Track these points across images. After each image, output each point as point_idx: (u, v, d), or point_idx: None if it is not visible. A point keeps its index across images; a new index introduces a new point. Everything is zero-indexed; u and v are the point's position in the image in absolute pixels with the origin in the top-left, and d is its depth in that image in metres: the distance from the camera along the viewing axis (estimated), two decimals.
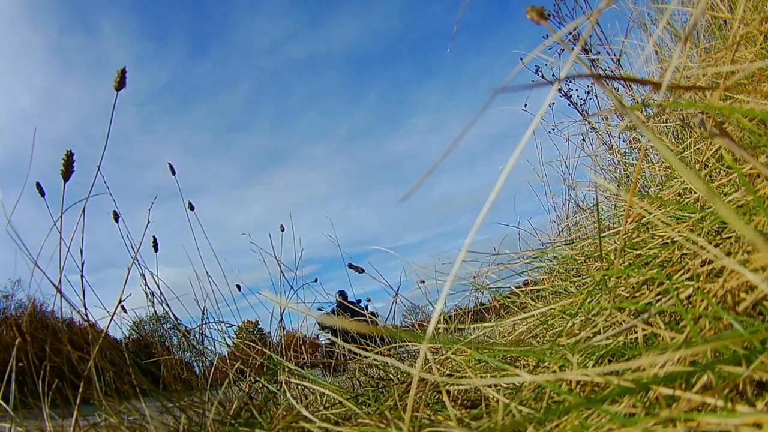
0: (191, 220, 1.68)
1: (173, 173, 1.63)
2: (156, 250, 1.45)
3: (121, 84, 1.00)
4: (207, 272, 1.73)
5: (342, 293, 6.11)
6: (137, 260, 1.35)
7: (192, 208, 1.70)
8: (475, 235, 0.39)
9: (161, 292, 1.49)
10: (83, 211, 1.07)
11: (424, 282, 1.85)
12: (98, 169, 1.09)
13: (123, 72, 1.01)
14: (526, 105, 2.23)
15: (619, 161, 1.98)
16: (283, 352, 1.93)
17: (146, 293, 1.46)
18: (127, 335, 1.77)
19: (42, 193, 1.13)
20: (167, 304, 1.51)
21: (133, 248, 1.32)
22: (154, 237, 1.45)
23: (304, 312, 2.17)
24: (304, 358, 2.05)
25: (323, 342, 5.23)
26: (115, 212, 1.37)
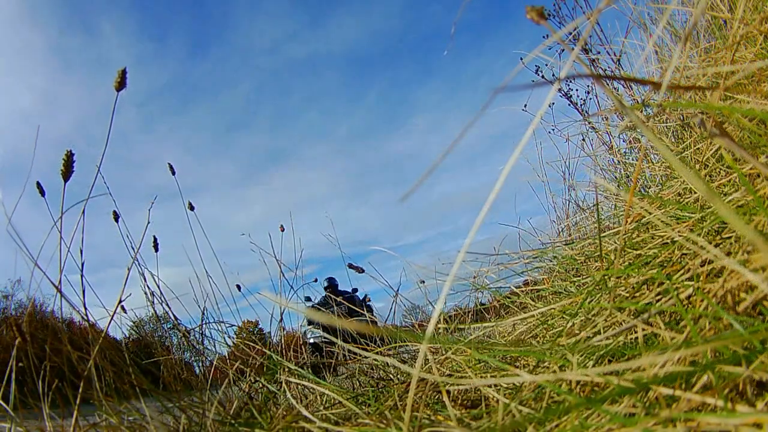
0: (191, 220, 1.68)
1: (173, 173, 1.63)
2: (156, 250, 1.45)
3: (121, 84, 1.00)
4: (207, 272, 1.73)
5: (331, 281, 5.70)
6: (137, 260, 1.36)
7: (192, 208, 1.70)
8: (475, 235, 0.39)
9: (161, 292, 1.49)
10: (83, 211, 1.07)
11: (424, 282, 1.85)
12: (98, 169, 1.09)
13: (123, 72, 1.01)
14: (526, 105, 2.23)
15: (619, 161, 1.98)
16: (283, 352, 1.93)
17: (146, 293, 1.46)
18: (127, 335, 1.77)
19: (42, 193, 1.13)
20: (167, 304, 1.51)
21: (133, 248, 1.33)
22: (154, 237, 1.45)
23: (298, 310, 2.17)
24: (304, 358, 2.05)
25: (311, 340, 4.82)
26: (115, 212, 1.37)
